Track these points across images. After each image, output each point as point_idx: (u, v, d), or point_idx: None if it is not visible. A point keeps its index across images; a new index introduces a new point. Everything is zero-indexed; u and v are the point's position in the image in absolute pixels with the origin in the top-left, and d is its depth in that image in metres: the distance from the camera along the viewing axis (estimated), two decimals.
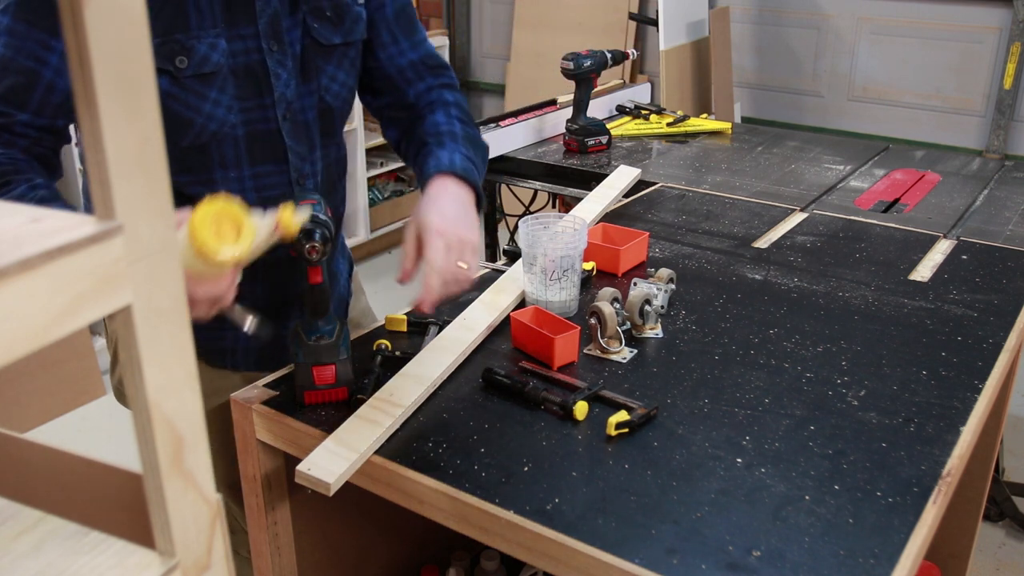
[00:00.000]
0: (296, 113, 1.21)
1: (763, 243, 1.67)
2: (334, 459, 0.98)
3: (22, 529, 0.57)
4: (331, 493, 0.96)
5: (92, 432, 2.84)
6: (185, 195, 1.17)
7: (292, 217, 0.93)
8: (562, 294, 1.31)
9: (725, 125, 2.59)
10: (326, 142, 1.27)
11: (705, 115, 2.70)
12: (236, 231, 0.85)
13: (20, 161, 1.08)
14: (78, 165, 2.98)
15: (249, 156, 1.19)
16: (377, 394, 1.08)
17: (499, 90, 4.62)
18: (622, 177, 1.90)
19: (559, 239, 1.31)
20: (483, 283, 1.43)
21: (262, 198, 1.21)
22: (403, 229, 1.15)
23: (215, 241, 0.82)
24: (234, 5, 1.12)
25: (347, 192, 1.42)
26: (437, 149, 1.23)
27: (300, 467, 0.97)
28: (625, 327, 1.26)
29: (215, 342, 1.29)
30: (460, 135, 1.27)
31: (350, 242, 4.08)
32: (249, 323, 0.99)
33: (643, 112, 2.65)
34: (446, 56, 4.37)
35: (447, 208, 1.14)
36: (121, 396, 1.41)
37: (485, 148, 1.32)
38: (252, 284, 1.28)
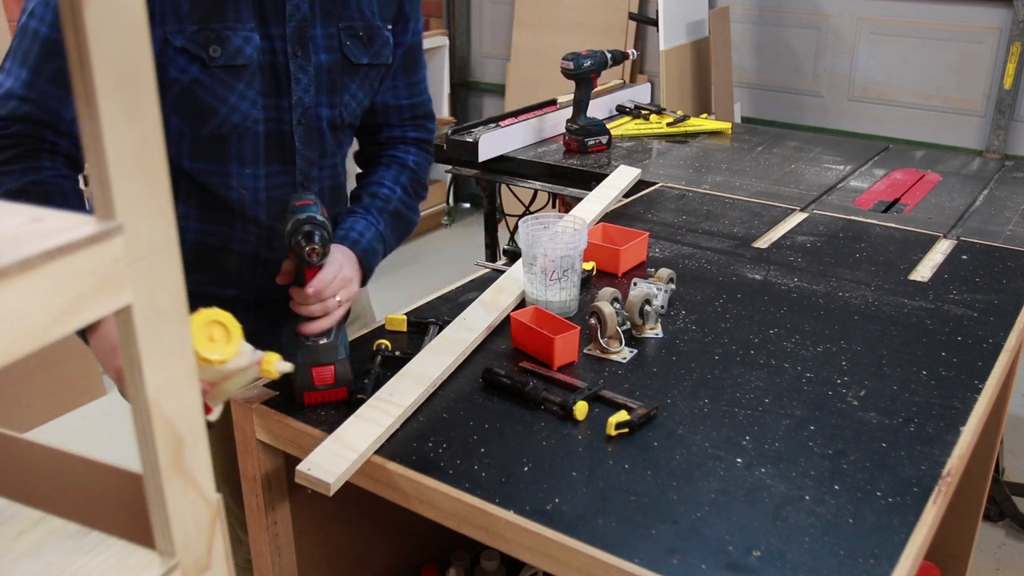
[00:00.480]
0: (311, 120, 1.23)
1: (763, 243, 1.67)
2: (334, 459, 0.98)
3: (22, 529, 0.57)
4: (331, 493, 0.96)
5: (92, 432, 2.84)
6: (198, 183, 1.20)
7: (275, 365, 0.95)
8: (562, 294, 1.31)
9: (725, 125, 2.59)
10: (335, 153, 1.30)
11: (705, 115, 2.70)
12: (226, 336, 0.89)
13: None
14: None
15: (265, 154, 1.21)
16: (377, 394, 1.08)
17: (499, 90, 4.62)
18: (622, 177, 1.90)
19: (559, 239, 1.31)
20: (483, 283, 1.43)
21: (270, 197, 1.24)
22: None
23: (207, 343, 0.87)
24: (266, 4, 1.15)
25: (348, 195, 1.42)
26: (359, 217, 1.28)
27: (300, 467, 0.97)
28: (625, 327, 1.26)
29: None
30: (390, 208, 1.32)
31: None
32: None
33: (643, 112, 2.65)
34: (446, 56, 4.38)
35: (338, 263, 1.17)
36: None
37: (409, 224, 1.37)
38: (252, 281, 1.28)
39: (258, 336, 1.15)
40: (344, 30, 1.22)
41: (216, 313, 0.88)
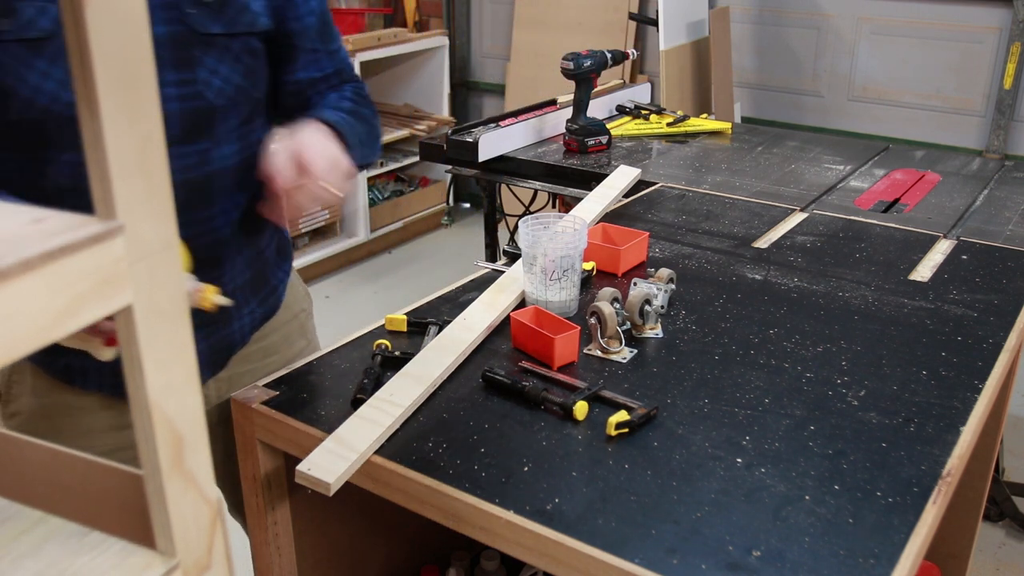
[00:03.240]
0: (165, 101, 1.04)
1: (763, 243, 1.67)
2: (334, 459, 0.98)
3: (22, 529, 0.57)
4: (331, 493, 0.96)
5: None
6: (8, 180, 1.04)
7: (212, 297, 0.92)
8: (562, 294, 1.31)
9: (725, 125, 2.59)
10: (199, 143, 1.09)
11: (705, 115, 2.70)
12: None
13: None
14: None
15: None
16: (377, 394, 1.08)
17: (499, 90, 4.62)
18: (622, 177, 1.90)
19: (559, 239, 1.31)
20: (483, 283, 1.43)
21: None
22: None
23: None
24: None
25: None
26: (317, 111, 1.16)
27: (300, 467, 0.97)
28: (625, 327, 1.26)
29: (60, 357, 1.14)
30: (346, 108, 1.20)
31: (350, 242, 4.08)
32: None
33: (643, 112, 2.65)
34: (446, 56, 4.38)
35: (309, 131, 1.08)
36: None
37: (373, 127, 1.24)
38: None
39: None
40: None
41: None
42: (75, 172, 1.03)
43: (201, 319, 1.20)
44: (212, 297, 0.91)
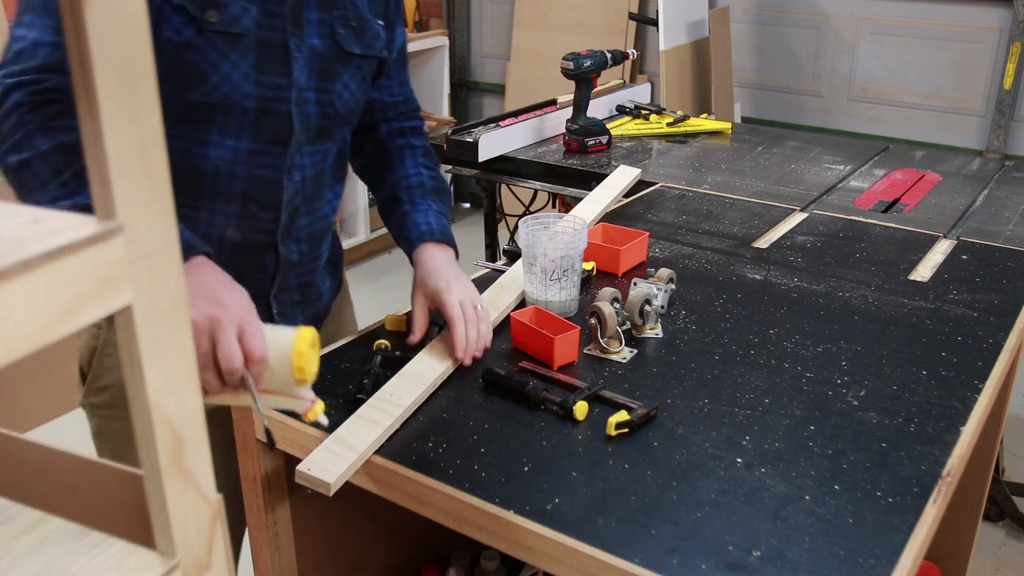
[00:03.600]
0: (305, 104, 1.21)
1: (763, 243, 1.67)
2: (334, 459, 0.98)
3: (22, 529, 0.57)
4: (331, 493, 0.96)
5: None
6: (172, 148, 1.10)
7: (319, 414, 0.95)
8: (562, 294, 1.31)
9: (725, 125, 2.59)
10: (321, 142, 1.26)
11: (705, 115, 2.70)
12: (314, 362, 0.93)
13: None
14: None
15: (254, 130, 1.18)
16: (377, 394, 1.08)
17: (499, 90, 4.62)
18: (622, 177, 1.90)
19: (559, 239, 1.31)
20: (483, 283, 1.43)
21: (250, 175, 1.20)
22: (412, 299, 1.25)
23: (309, 363, 0.91)
24: None
25: (347, 192, 1.42)
26: (412, 212, 1.32)
27: (300, 467, 0.97)
28: (625, 327, 1.26)
29: None
30: (429, 187, 1.36)
31: (351, 242, 4.08)
32: (264, 420, 1.00)
33: (643, 112, 2.65)
34: (446, 56, 4.38)
35: (445, 271, 1.24)
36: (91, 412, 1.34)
37: (449, 192, 1.40)
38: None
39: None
40: (337, 18, 1.21)
41: (316, 336, 0.92)
42: (233, 157, 1.18)
43: (304, 296, 1.33)
44: (318, 413, 0.95)
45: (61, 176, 1.01)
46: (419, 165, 1.39)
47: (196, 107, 1.14)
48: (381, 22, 1.29)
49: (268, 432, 0.94)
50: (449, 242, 1.30)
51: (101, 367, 1.28)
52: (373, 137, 1.41)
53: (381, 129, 1.41)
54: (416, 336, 1.22)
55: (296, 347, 0.91)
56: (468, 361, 1.17)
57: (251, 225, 1.22)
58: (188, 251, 1.00)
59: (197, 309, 0.93)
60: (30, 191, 1.02)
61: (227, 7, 1.10)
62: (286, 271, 1.29)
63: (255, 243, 1.24)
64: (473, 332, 1.18)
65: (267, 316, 1.31)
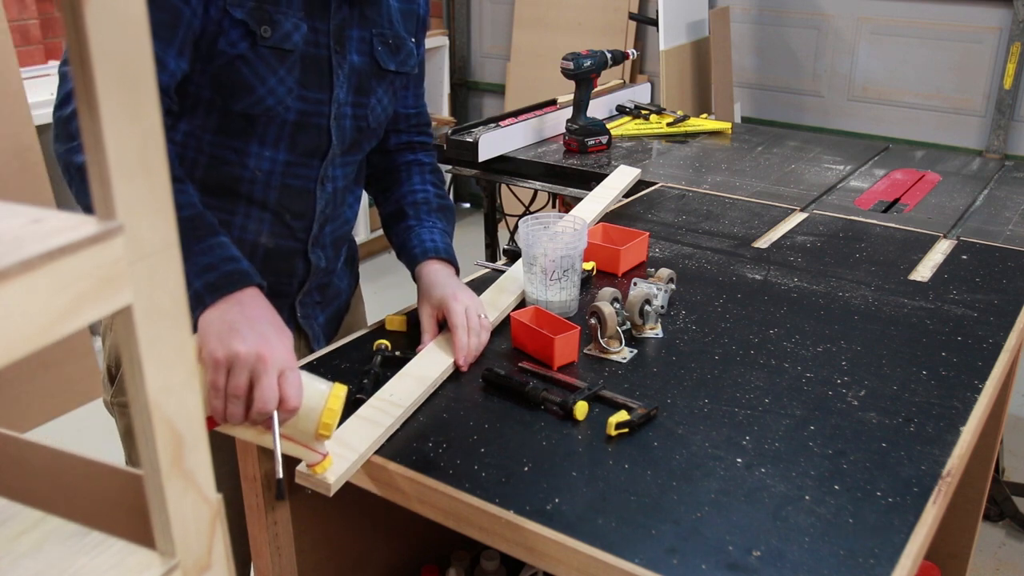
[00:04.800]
0: (342, 118, 1.25)
1: (763, 243, 1.67)
2: (334, 459, 0.98)
3: (22, 529, 0.57)
4: (331, 493, 0.96)
5: (92, 432, 2.84)
6: (213, 160, 1.20)
7: (327, 470, 0.98)
8: (562, 294, 1.31)
9: (725, 125, 2.59)
10: (355, 155, 1.32)
11: (705, 115, 2.70)
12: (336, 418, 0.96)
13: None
14: None
15: (291, 142, 1.21)
16: (377, 394, 1.08)
17: (499, 90, 4.62)
18: (622, 177, 1.90)
19: (559, 239, 1.31)
20: (483, 283, 1.43)
21: (284, 185, 1.24)
22: (420, 310, 1.28)
23: (334, 421, 0.95)
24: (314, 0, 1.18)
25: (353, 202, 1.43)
26: (418, 228, 1.36)
27: (300, 467, 0.97)
28: (625, 327, 1.26)
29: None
30: (435, 205, 1.40)
31: None
32: (278, 469, 0.98)
33: (643, 112, 2.65)
34: (446, 56, 4.38)
35: (450, 283, 1.27)
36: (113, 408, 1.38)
37: (453, 211, 1.45)
38: None
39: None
40: (376, 36, 1.26)
41: (342, 393, 0.96)
42: (270, 168, 1.22)
43: (323, 296, 1.37)
44: (327, 468, 0.97)
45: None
46: (426, 182, 1.42)
47: (239, 117, 1.17)
48: (413, 40, 1.33)
49: (280, 482, 0.94)
50: (452, 261, 1.33)
51: None
52: (381, 148, 1.43)
53: (391, 140, 1.43)
54: (428, 343, 1.22)
55: (329, 404, 0.94)
56: (465, 367, 1.19)
57: (284, 232, 1.26)
58: (244, 280, 1.03)
59: (246, 342, 0.95)
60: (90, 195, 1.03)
61: (280, 24, 1.14)
62: (313, 276, 1.33)
63: (287, 250, 1.28)
64: (475, 340, 1.20)
65: (291, 318, 1.34)
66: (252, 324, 0.98)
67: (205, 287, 1.01)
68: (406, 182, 1.42)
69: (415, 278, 1.32)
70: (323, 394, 0.95)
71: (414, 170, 1.43)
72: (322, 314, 1.40)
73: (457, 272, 1.34)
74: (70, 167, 1.06)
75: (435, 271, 1.29)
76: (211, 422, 0.99)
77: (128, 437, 1.35)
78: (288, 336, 1.00)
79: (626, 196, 1.93)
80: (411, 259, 1.33)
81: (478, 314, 1.23)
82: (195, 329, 0.99)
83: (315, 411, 0.94)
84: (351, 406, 1.07)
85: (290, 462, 0.98)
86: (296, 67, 1.18)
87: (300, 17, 1.17)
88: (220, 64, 1.13)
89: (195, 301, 1.00)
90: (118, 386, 1.32)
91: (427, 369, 1.14)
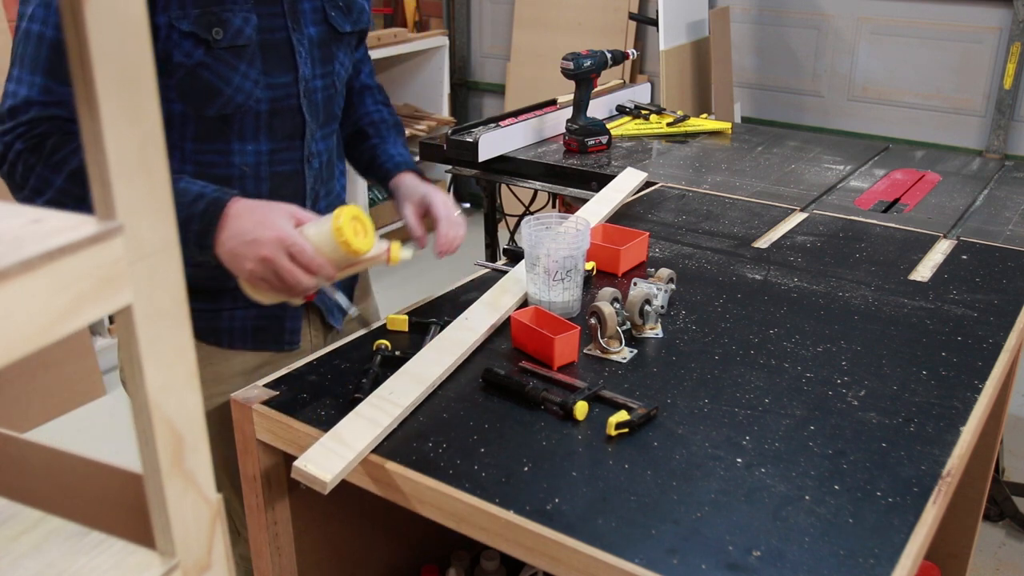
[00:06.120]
0: (311, 92, 1.28)
1: (763, 243, 1.67)
2: (331, 456, 0.98)
3: (22, 529, 0.57)
4: (327, 491, 0.96)
5: (92, 432, 2.84)
6: (200, 164, 1.23)
7: (399, 251, 1.15)
8: (565, 295, 1.31)
9: (725, 125, 2.59)
10: (329, 124, 1.35)
11: (705, 115, 2.70)
12: (364, 230, 1.10)
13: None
14: None
15: (269, 131, 1.25)
16: (376, 392, 1.08)
17: (499, 90, 4.62)
18: (629, 179, 1.90)
19: (562, 240, 1.31)
20: (483, 283, 1.43)
21: (273, 173, 1.27)
22: (403, 210, 1.39)
23: (353, 235, 1.08)
24: None
25: (347, 193, 1.47)
26: (382, 144, 1.46)
27: (297, 463, 0.97)
28: (625, 327, 1.26)
29: (212, 322, 1.33)
30: (390, 123, 1.50)
31: None
32: (348, 306, 1.21)
33: (643, 112, 2.65)
34: (446, 56, 4.38)
35: (425, 185, 1.39)
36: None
37: (402, 126, 1.55)
38: None
39: (266, 316, 1.34)
40: (327, 2, 1.28)
41: (356, 210, 1.09)
42: (256, 160, 1.25)
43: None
44: (400, 252, 1.14)
45: (85, 200, 1.07)
46: (377, 102, 1.51)
47: (214, 120, 1.20)
48: None
49: (345, 313, 1.15)
50: (419, 171, 1.44)
51: None
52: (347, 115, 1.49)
53: (352, 83, 1.49)
54: (423, 240, 1.34)
55: (336, 236, 1.07)
56: (441, 257, 1.31)
57: (248, 201, 1.26)
58: (217, 206, 1.10)
59: (249, 259, 1.08)
60: None
61: (229, 22, 1.16)
62: None
63: None
64: (453, 232, 1.31)
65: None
66: (242, 237, 1.08)
67: (197, 236, 1.09)
68: (360, 106, 1.50)
69: (389, 190, 1.43)
70: (328, 229, 1.08)
71: (365, 94, 1.51)
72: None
73: (421, 178, 1.44)
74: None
75: (409, 179, 1.40)
76: (308, 296, 1.16)
77: None
78: (273, 212, 1.10)
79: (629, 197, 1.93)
80: (383, 173, 1.43)
81: (456, 210, 1.34)
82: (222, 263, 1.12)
83: (334, 246, 1.09)
84: (349, 406, 1.08)
85: (291, 459, 0.98)
86: (257, 58, 1.20)
87: (248, 8, 1.18)
88: (181, 76, 1.16)
89: (200, 249, 1.10)
90: None
91: (427, 369, 1.14)
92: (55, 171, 1.10)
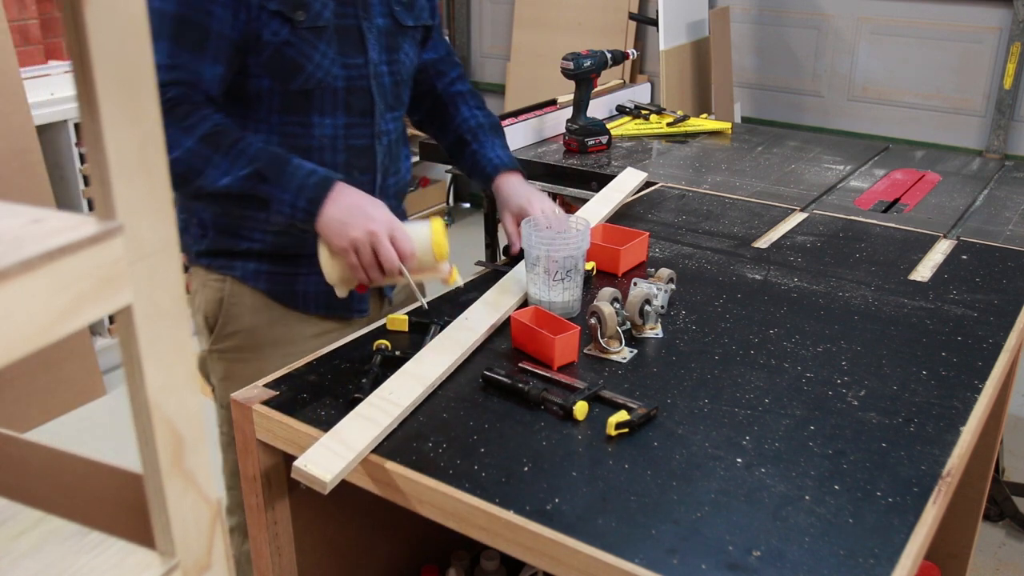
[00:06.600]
0: (380, 76, 1.41)
1: (763, 243, 1.67)
2: (331, 456, 0.98)
3: (22, 529, 0.57)
4: (327, 491, 0.96)
5: (92, 432, 2.84)
6: (283, 136, 1.36)
7: (457, 275, 1.29)
8: (565, 295, 1.31)
9: (725, 125, 2.59)
10: (397, 108, 1.47)
11: (705, 115, 2.70)
12: (444, 243, 1.25)
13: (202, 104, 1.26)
14: (78, 165, 2.98)
15: (345, 107, 1.37)
16: (376, 392, 1.08)
17: (499, 90, 4.62)
18: (629, 179, 1.90)
19: (562, 240, 1.31)
20: (483, 283, 1.43)
21: (348, 146, 1.40)
22: (503, 218, 1.51)
23: (443, 242, 1.23)
24: None
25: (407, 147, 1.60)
26: (481, 149, 1.56)
27: (297, 463, 0.97)
28: (625, 327, 1.26)
29: (289, 285, 1.44)
30: (487, 126, 1.59)
31: None
32: (423, 300, 1.29)
33: (643, 112, 2.65)
34: None
35: (525, 190, 1.50)
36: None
37: (500, 126, 1.63)
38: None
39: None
40: None
41: (441, 224, 1.24)
42: (333, 132, 1.38)
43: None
44: (456, 276, 1.27)
45: (212, 160, 1.21)
46: (472, 108, 1.61)
47: (297, 95, 1.33)
48: None
49: (421, 308, 1.25)
50: (519, 169, 1.54)
51: (229, 315, 1.44)
52: (431, 94, 1.61)
53: (436, 84, 1.62)
54: (516, 248, 1.45)
55: (435, 238, 1.23)
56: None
57: (354, 188, 1.37)
58: (329, 182, 1.24)
59: (357, 228, 1.20)
60: (189, 182, 1.22)
61: (310, 5, 1.29)
62: None
63: None
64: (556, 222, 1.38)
65: None
66: (353, 211, 1.22)
67: (307, 203, 1.22)
68: (456, 114, 1.60)
69: (492, 192, 1.53)
70: (427, 232, 1.23)
71: (459, 100, 1.61)
72: None
73: (524, 176, 1.55)
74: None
75: (508, 182, 1.50)
76: (363, 288, 1.27)
77: (227, 379, 1.47)
78: (383, 205, 1.24)
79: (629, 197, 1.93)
80: (485, 177, 1.53)
81: (555, 213, 1.43)
82: (315, 234, 1.24)
83: (427, 245, 1.23)
84: (349, 406, 1.08)
85: (291, 459, 0.98)
86: (333, 40, 1.33)
87: None
88: (269, 53, 1.28)
89: (306, 216, 1.23)
90: (217, 334, 1.46)
91: (427, 369, 1.14)
92: (186, 133, 1.21)
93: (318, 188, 1.23)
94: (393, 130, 1.47)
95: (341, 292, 1.28)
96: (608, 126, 2.44)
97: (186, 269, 1.50)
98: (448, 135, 1.61)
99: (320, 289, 1.43)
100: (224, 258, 1.42)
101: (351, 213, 1.21)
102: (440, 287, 1.43)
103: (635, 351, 1.23)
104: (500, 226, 2.61)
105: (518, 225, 1.40)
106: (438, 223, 1.23)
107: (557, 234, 1.33)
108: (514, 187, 1.49)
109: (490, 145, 1.56)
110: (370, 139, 1.42)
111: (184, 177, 1.22)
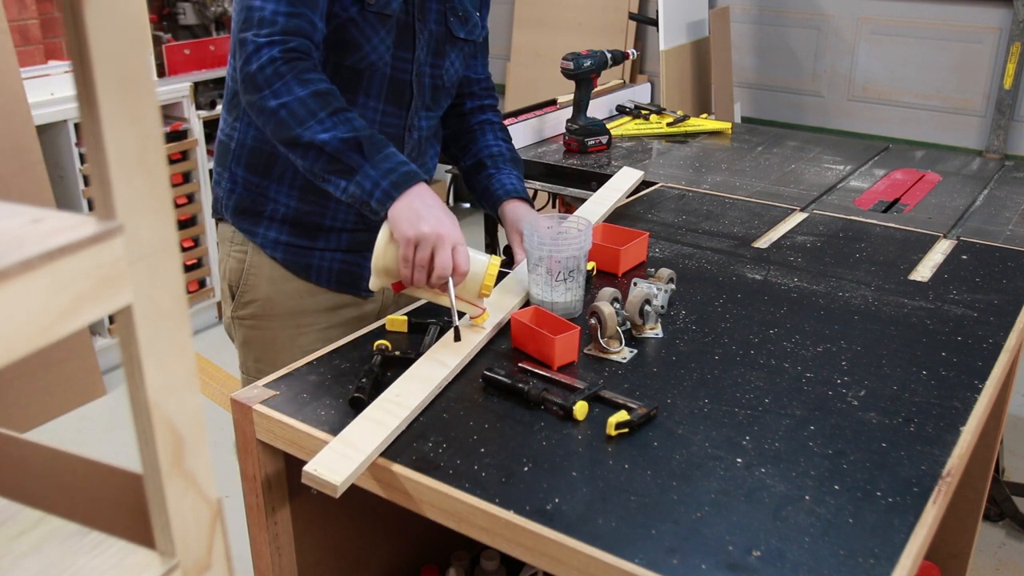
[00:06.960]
0: (423, 76, 1.47)
1: (763, 243, 1.67)
2: (341, 460, 0.97)
3: (22, 529, 0.57)
4: (338, 495, 0.95)
5: (92, 432, 2.84)
6: None
7: (487, 317, 1.27)
8: (567, 295, 1.30)
9: (725, 125, 2.59)
10: (433, 109, 1.53)
11: (705, 115, 2.70)
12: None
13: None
14: (78, 165, 2.98)
15: (388, 94, 1.43)
16: (384, 395, 1.08)
17: (499, 90, 4.62)
18: (626, 178, 1.90)
19: (564, 240, 1.31)
20: None
21: (381, 132, 1.40)
22: (510, 239, 1.53)
23: (493, 277, 1.25)
24: None
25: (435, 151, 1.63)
26: (497, 175, 1.58)
27: (307, 468, 0.97)
28: (625, 327, 1.26)
29: (305, 257, 1.48)
30: (508, 157, 1.62)
31: None
32: (456, 319, 1.23)
33: (643, 112, 2.65)
34: None
35: (531, 215, 1.50)
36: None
37: (521, 161, 1.66)
38: (349, 209, 1.46)
39: (350, 263, 1.50)
40: (449, 9, 1.48)
41: (498, 263, 1.26)
42: (372, 115, 1.44)
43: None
44: (486, 319, 1.26)
45: (317, 115, 1.25)
46: (498, 138, 1.64)
47: (348, 70, 1.39)
48: (478, 13, 1.55)
49: (456, 328, 1.20)
50: (530, 201, 1.56)
51: (247, 284, 1.49)
52: (457, 112, 1.64)
53: (466, 104, 1.65)
54: (521, 261, 1.47)
55: (489, 271, 1.24)
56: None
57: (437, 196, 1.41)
58: (417, 177, 1.27)
59: (428, 224, 1.21)
60: (289, 128, 1.25)
61: None
62: None
63: None
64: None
65: None
66: (430, 210, 1.23)
67: (391, 185, 1.24)
68: (481, 139, 1.63)
69: (500, 216, 1.55)
70: (484, 263, 1.24)
71: (487, 128, 1.64)
72: None
73: (531, 204, 1.57)
74: (264, 111, 1.27)
75: (517, 207, 1.53)
76: (398, 286, 1.26)
77: (246, 345, 1.53)
78: (455, 219, 1.26)
79: (626, 196, 1.93)
80: (495, 200, 1.55)
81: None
82: (384, 218, 1.25)
83: (478, 275, 1.24)
84: (349, 405, 1.08)
85: (291, 459, 0.98)
86: (392, 30, 1.39)
87: None
88: (334, 26, 1.34)
89: (384, 196, 1.24)
90: (237, 301, 1.50)
91: (433, 371, 1.14)
92: (302, 85, 1.25)
93: (406, 177, 1.25)
94: (425, 127, 1.52)
95: (375, 283, 1.27)
96: (608, 126, 2.43)
97: (217, 225, 1.55)
98: (468, 158, 1.63)
99: (334, 266, 1.49)
100: (249, 219, 1.47)
101: (428, 211, 1.23)
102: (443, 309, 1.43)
103: (635, 351, 1.23)
104: (499, 226, 2.61)
105: (524, 248, 1.41)
106: (496, 262, 1.25)
107: (559, 234, 1.33)
108: (521, 212, 1.51)
109: (507, 173, 1.59)
110: (401, 130, 1.46)
111: (286, 123, 1.25)
